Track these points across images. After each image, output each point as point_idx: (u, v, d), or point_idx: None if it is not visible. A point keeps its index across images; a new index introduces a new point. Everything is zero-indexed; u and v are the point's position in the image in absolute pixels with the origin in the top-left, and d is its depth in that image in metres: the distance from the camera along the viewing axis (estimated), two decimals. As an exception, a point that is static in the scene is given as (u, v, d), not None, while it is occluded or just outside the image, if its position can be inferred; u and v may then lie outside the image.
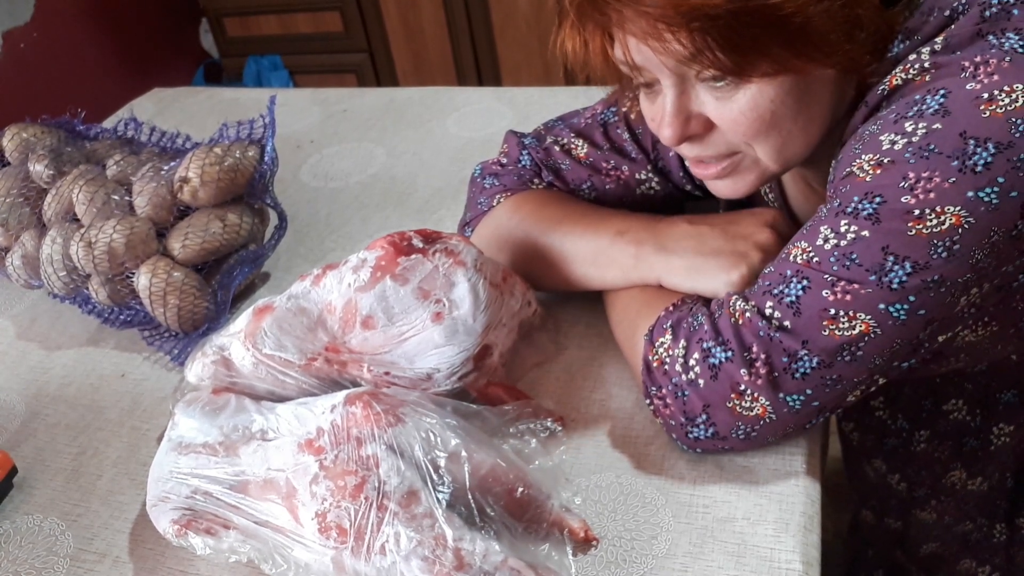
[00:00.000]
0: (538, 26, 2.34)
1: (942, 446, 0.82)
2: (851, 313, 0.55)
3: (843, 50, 0.56)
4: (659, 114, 0.62)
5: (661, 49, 0.55)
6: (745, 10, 0.52)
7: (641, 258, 0.71)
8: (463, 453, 0.60)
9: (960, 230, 0.52)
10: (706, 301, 0.65)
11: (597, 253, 0.73)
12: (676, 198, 0.82)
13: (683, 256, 0.69)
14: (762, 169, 0.63)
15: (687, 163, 0.68)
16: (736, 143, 0.61)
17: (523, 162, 0.83)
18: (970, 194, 0.52)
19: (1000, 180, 0.51)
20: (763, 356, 0.58)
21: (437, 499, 0.58)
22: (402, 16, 2.49)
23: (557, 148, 0.81)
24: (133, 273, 0.86)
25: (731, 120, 0.59)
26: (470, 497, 0.59)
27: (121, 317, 0.90)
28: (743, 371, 0.59)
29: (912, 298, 0.54)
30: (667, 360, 0.63)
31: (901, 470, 0.88)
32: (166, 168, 0.90)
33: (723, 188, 0.66)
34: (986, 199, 0.52)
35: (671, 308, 0.66)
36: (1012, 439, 0.78)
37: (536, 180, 0.82)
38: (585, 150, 0.80)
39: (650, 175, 0.79)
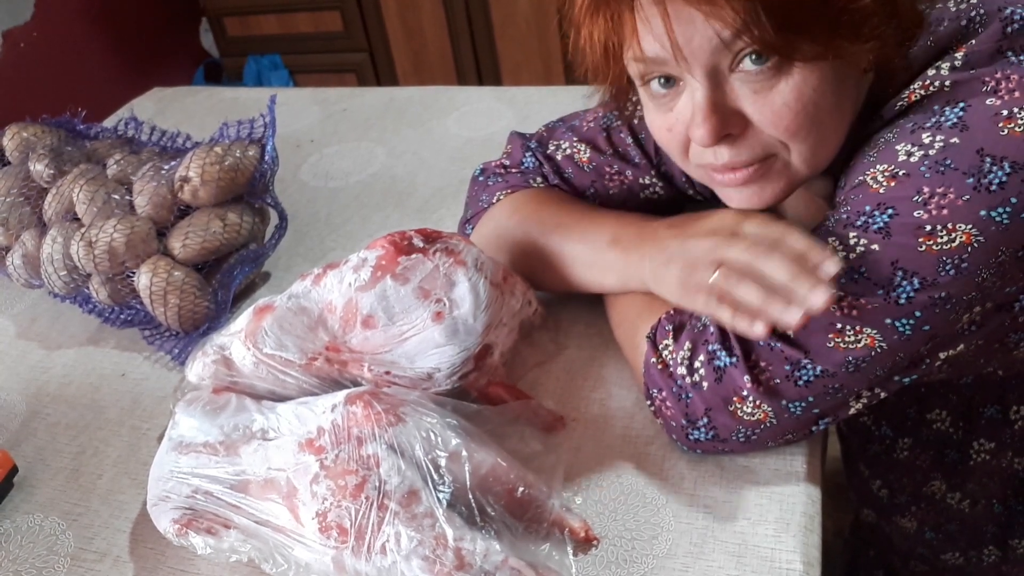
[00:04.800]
0: (538, 26, 2.34)
1: (923, 455, 0.82)
2: (857, 327, 0.55)
3: (881, 34, 0.54)
4: (685, 114, 0.58)
5: (711, 13, 0.52)
6: None
7: (632, 265, 0.69)
8: (463, 453, 0.60)
9: (969, 248, 0.52)
10: None
11: (594, 258, 0.72)
12: (679, 202, 0.82)
13: (666, 272, 0.64)
14: (791, 174, 0.60)
15: (706, 175, 0.63)
16: (772, 144, 0.58)
17: (526, 164, 0.82)
18: (983, 213, 0.51)
19: (1013, 200, 0.51)
20: (763, 363, 0.59)
21: (438, 499, 0.58)
22: (402, 16, 2.49)
23: (560, 154, 0.81)
24: (133, 272, 0.86)
25: (773, 113, 0.56)
26: (471, 497, 0.59)
27: (121, 316, 0.90)
28: (746, 377, 0.59)
29: (918, 313, 0.54)
30: (671, 362, 0.63)
31: (883, 476, 0.88)
32: (166, 167, 0.90)
33: (748, 197, 0.61)
34: (998, 219, 0.51)
35: (672, 311, 0.66)
36: (992, 457, 0.78)
37: (538, 179, 0.82)
38: (588, 155, 0.79)
39: (653, 180, 0.78)
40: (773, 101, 0.55)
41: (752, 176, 0.60)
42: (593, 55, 0.59)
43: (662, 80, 0.58)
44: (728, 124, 0.57)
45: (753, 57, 0.54)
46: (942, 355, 0.58)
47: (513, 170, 0.83)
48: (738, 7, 0.51)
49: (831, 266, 0.52)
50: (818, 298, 0.51)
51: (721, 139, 0.57)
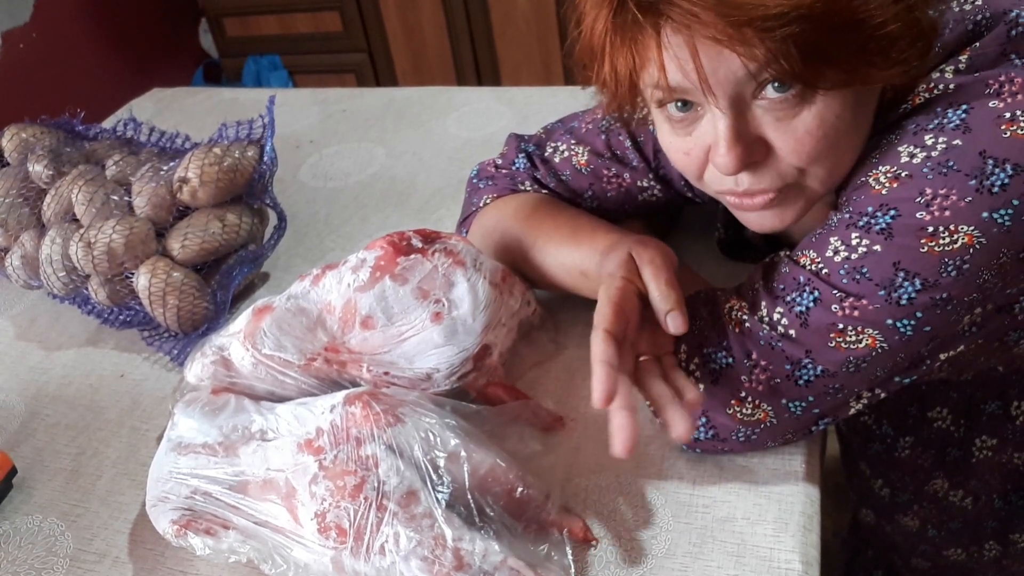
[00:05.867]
0: (537, 26, 2.34)
1: (925, 453, 0.82)
2: (859, 328, 0.55)
3: (908, 57, 0.54)
4: (705, 140, 0.58)
5: (744, 53, 0.51)
6: (832, 11, 0.50)
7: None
8: (462, 453, 0.60)
9: (971, 250, 0.52)
10: (704, 304, 0.65)
11: (587, 266, 0.71)
12: (678, 204, 0.82)
13: None
14: (810, 194, 0.60)
15: (726, 197, 0.62)
16: (791, 171, 0.58)
17: (517, 165, 0.82)
18: (985, 215, 0.51)
19: (1015, 202, 0.51)
20: (763, 363, 0.59)
21: (436, 499, 0.58)
22: (401, 16, 2.49)
23: (558, 157, 0.81)
24: (132, 273, 0.86)
25: (795, 140, 0.55)
26: (469, 497, 0.59)
27: (120, 317, 0.90)
28: (743, 377, 0.59)
29: (919, 314, 0.54)
30: None
31: (884, 475, 0.88)
32: (165, 168, 0.90)
33: (769, 219, 0.61)
34: (1000, 220, 0.51)
35: None
36: (994, 454, 0.78)
37: (528, 183, 0.82)
38: (586, 158, 0.79)
39: (652, 183, 0.78)
40: (795, 128, 0.55)
41: (772, 202, 0.60)
42: (619, 87, 0.58)
43: (679, 104, 0.58)
44: (751, 152, 0.56)
45: (776, 85, 0.54)
46: (943, 356, 0.58)
47: (503, 171, 0.83)
48: (770, 44, 0.51)
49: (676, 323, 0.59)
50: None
51: (746, 166, 0.57)
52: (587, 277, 0.70)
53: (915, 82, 0.58)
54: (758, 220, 0.62)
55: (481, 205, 0.82)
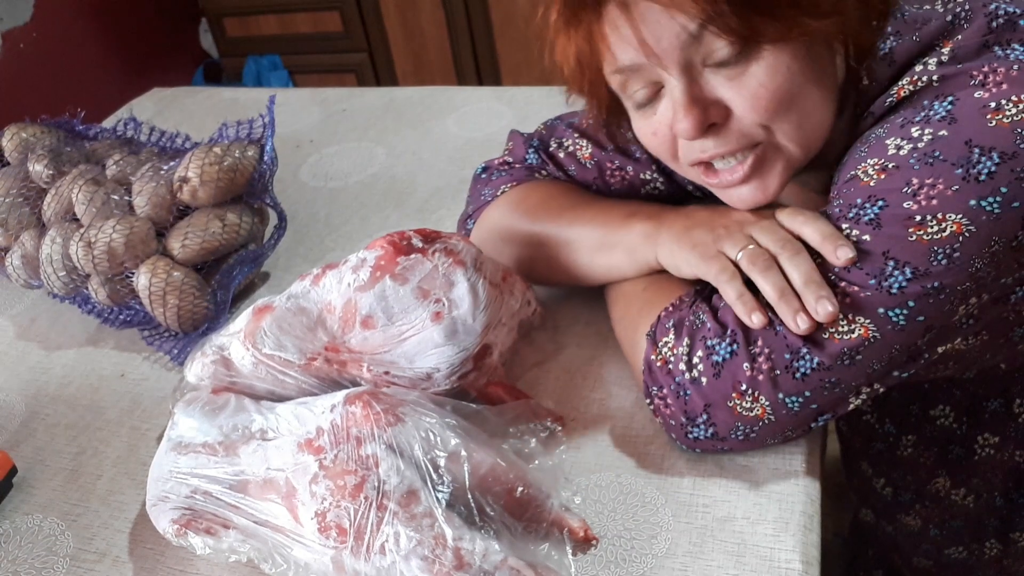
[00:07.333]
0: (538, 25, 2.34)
1: (927, 452, 0.82)
2: (850, 316, 0.56)
3: (842, 8, 0.56)
4: (667, 115, 0.60)
5: (671, 4, 0.54)
6: None
7: (648, 235, 0.69)
8: (463, 453, 0.60)
9: (961, 238, 0.52)
10: (706, 298, 0.65)
11: (605, 236, 0.72)
12: (680, 198, 0.82)
13: (687, 236, 0.66)
14: (786, 158, 0.61)
15: (703, 179, 0.64)
16: (754, 130, 0.59)
17: (529, 159, 0.83)
18: (972, 203, 0.52)
19: (1003, 190, 0.52)
20: (767, 351, 0.59)
21: (437, 499, 0.58)
22: (402, 16, 2.49)
23: (562, 152, 0.81)
24: (133, 273, 0.86)
25: (751, 96, 0.57)
26: (470, 497, 0.59)
27: (121, 317, 0.90)
28: (746, 365, 0.59)
29: (911, 303, 0.54)
30: (671, 359, 0.63)
31: (886, 474, 0.88)
32: (166, 168, 0.90)
33: (752, 193, 0.62)
34: (988, 208, 0.52)
35: (671, 308, 0.66)
36: (996, 452, 0.78)
37: (543, 174, 0.82)
38: (589, 151, 0.80)
39: (654, 175, 0.78)
40: (748, 84, 0.57)
41: (750, 171, 0.61)
42: (567, 68, 0.62)
43: (643, 89, 0.61)
44: (710, 114, 0.59)
45: (722, 47, 0.56)
46: (940, 349, 0.58)
47: (517, 165, 0.84)
48: (702, 1, 0.53)
49: (846, 252, 0.56)
50: (824, 309, 0.55)
51: (705, 131, 0.59)
52: (635, 216, 0.71)
53: (867, 47, 0.60)
54: (740, 195, 0.63)
55: (498, 194, 0.82)
